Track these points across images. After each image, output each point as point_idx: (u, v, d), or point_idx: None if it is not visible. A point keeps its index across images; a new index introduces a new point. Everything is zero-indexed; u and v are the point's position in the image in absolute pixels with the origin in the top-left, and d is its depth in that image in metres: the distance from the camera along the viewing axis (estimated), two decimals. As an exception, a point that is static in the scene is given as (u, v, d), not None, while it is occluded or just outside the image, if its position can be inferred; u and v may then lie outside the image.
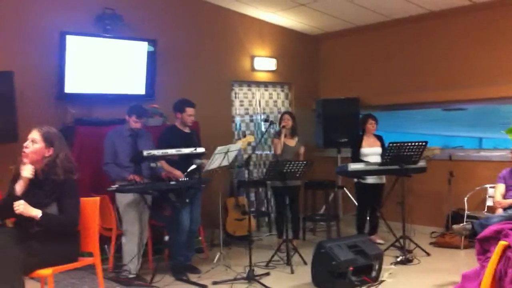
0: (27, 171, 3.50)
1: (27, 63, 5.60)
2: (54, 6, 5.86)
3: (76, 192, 3.66)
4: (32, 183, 3.56)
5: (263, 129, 8.17)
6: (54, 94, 5.85)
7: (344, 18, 7.73)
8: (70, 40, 5.80)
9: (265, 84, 8.32)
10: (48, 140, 3.60)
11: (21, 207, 3.40)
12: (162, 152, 5.03)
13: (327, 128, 7.75)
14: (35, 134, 3.58)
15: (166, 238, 5.18)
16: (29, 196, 3.51)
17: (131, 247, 5.21)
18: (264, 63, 8.10)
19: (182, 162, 5.34)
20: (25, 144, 3.57)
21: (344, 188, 7.65)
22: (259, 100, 8.26)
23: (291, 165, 5.75)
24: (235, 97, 7.94)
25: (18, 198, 3.48)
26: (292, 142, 6.58)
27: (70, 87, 5.88)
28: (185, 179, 5.23)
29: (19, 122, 5.21)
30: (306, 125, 8.07)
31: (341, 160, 7.68)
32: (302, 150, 6.63)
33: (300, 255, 5.82)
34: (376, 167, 6.09)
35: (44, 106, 5.74)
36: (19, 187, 3.53)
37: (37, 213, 3.42)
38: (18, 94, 5.27)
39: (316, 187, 7.32)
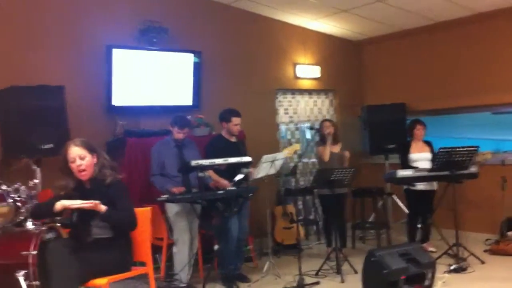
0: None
1: (76, 77, 5.73)
2: (100, 20, 6.00)
3: (127, 193, 3.73)
4: (82, 195, 3.62)
5: (308, 136, 8.13)
6: (103, 107, 5.98)
7: (387, 22, 7.64)
8: (116, 53, 5.92)
9: (309, 92, 8.29)
10: (90, 149, 3.68)
11: (92, 205, 3.46)
12: (210, 162, 5.07)
13: (374, 134, 7.65)
14: (78, 151, 3.61)
15: (216, 247, 5.20)
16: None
17: (182, 256, 5.26)
18: (308, 71, 8.08)
19: (229, 171, 5.37)
20: (77, 164, 3.62)
21: (393, 195, 7.52)
22: (303, 107, 8.24)
23: (338, 172, 5.70)
24: (280, 106, 7.94)
25: (55, 214, 3.55)
26: (336, 149, 6.52)
27: (118, 100, 6.00)
28: (233, 188, 5.24)
29: (71, 135, 5.33)
30: (352, 132, 7.99)
31: (389, 167, 7.56)
32: (347, 154, 6.55)
33: (350, 264, 5.74)
34: (425, 173, 5.95)
35: (94, 119, 5.87)
36: (59, 206, 3.56)
37: (103, 207, 3.48)
38: (69, 108, 5.40)
39: (364, 194, 7.23)
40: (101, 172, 3.61)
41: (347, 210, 6.79)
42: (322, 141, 6.46)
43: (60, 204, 3.50)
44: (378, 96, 8.33)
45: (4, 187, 4.16)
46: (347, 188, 6.42)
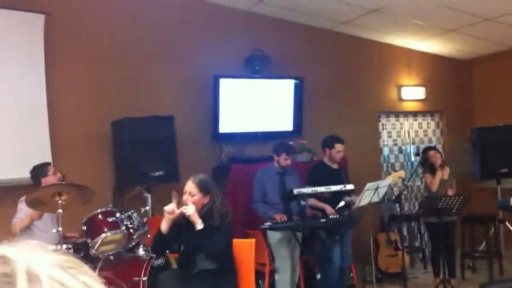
0: (190, 209, 3.68)
1: (185, 107, 6.01)
2: (207, 52, 6.25)
3: (229, 230, 3.79)
4: (191, 226, 3.75)
5: (412, 159, 7.90)
6: (210, 134, 6.20)
7: (497, 40, 7.27)
8: (223, 82, 6.14)
9: (414, 114, 8.07)
10: (204, 189, 3.77)
11: (190, 210, 3.59)
12: (312, 190, 5.08)
13: (485, 157, 7.26)
14: (191, 188, 3.75)
15: (318, 276, 5.18)
16: (187, 239, 3.72)
17: (284, 284, 5.29)
18: (412, 92, 7.87)
19: (331, 198, 5.35)
20: (184, 198, 3.77)
21: (506, 223, 7.07)
22: (407, 130, 8.02)
23: (447, 200, 5.48)
24: (383, 129, 7.79)
25: (165, 236, 3.68)
26: (444, 175, 6.25)
27: (224, 127, 6.20)
28: (335, 216, 5.21)
29: (179, 162, 5.58)
30: (460, 155, 7.63)
31: (502, 192, 7.13)
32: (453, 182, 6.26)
33: (460, 296, 5.47)
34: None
35: (201, 146, 6.11)
36: (164, 225, 3.71)
37: (200, 223, 3.60)
38: (177, 136, 5.66)
39: (474, 221, 6.86)
40: (209, 214, 3.71)
41: (456, 238, 6.48)
42: (430, 169, 6.20)
43: (164, 225, 3.66)
44: (489, 117, 7.91)
45: (118, 214, 4.42)
46: (456, 216, 6.13)
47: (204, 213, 3.72)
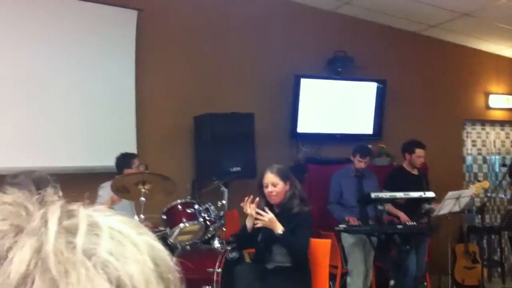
0: (266, 217, 3.72)
1: (265, 105, 6.07)
2: (289, 52, 6.28)
3: (309, 224, 3.80)
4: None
5: (497, 170, 7.57)
6: (288, 133, 6.23)
7: None
8: (304, 82, 6.15)
9: (501, 123, 7.73)
10: (284, 177, 3.82)
11: (266, 218, 3.64)
12: (390, 195, 4.99)
13: None
14: (272, 178, 3.78)
15: (392, 283, 5.08)
16: (267, 230, 3.76)
17: (356, 287, 5.23)
18: (501, 101, 7.55)
19: (409, 205, 5.23)
20: (269, 190, 3.81)
21: None
22: (493, 140, 7.69)
23: (533, 215, 5.22)
24: (467, 137, 7.52)
25: (248, 233, 3.74)
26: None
27: (302, 127, 6.21)
28: (413, 223, 5.09)
29: (257, 160, 5.65)
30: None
31: None
32: None
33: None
34: None
35: (279, 145, 6.15)
36: (249, 224, 3.79)
37: (280, 228, 3.63)
38: (256, 133, 5.73)
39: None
40: (290, 200, 3.75)
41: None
42: None
43: (249, 222, 3.72)
44: None
45: (196, 206, 4.53)
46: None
47: (286, 201, 3.75)
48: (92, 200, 0.60)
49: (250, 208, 3.69)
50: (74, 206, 0.53)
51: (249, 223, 3.75)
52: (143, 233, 0.54)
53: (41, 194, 0.55)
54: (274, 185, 3.76)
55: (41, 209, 0.52)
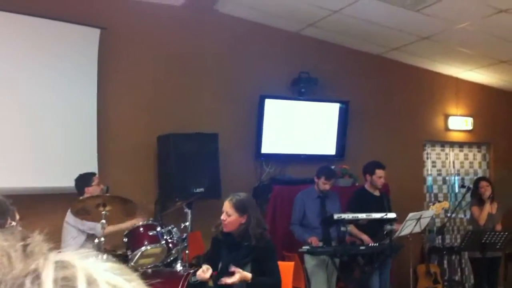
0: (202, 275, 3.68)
1: (230, 125, 6.05)
2: (254, 72, 6.30)
3: (275, 255, 3.78)
4: (229, 246, 3.76)
5: (456, 190, 7.73)
6: (252, 153, 6.22)
7: (553, 74, 7.10)
8: (268, 103, 6.18)
9: (460, 144, 7.91)
10: (240, 210, 3.76)
11: (237, 276, 3.58)
12: (352, 216, 5.02)
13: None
14: (228, 208, 3.74)
15: (355, 304, 5.09)
16: (227, 258, 3.71)
17: (319, 309, 5.22)
18: (459, 122, 7.73)
19: (371, 225, 5.27)
20: (222, 217, 3.79)
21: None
22: (453, 161, 7.86)
23: (492, 235, 5.32)
24: (427, 158, 7.66)
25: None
26: (492, 209, 6.08)
27: (266, 147, 6.22)
28: (376, 244, 5.13)
29: (222, 180, 5.61)
30: (507, 189, 7.41)
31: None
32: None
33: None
34: None
35: (243, 165, 6.13)
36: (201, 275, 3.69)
37: (249, 276, 3.58)
38: (220, 153, 5.70)
39: (518, 259, 6.65)
40: (247, 233, 3.71)
41: (500, 274, 6.28)
42: (478, 201, 6.03)
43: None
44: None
45: (158, 228, 4.46)
46: (501, 252, 5.95)
47: (240, 233, 3.73)
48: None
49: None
50: (67, 257, 0.53)
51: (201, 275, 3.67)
52: (134, 280, 0.57)
53: (27, 242, 0.54)
54: (227, 214, 3.73)
55: (27, 259, 0.51)
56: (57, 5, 5.27)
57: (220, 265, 3.78)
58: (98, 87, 5.37)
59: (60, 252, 0.55)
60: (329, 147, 6.65)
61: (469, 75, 7.60)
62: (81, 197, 4.43)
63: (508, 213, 6.26)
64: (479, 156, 8.06)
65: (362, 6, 5.51)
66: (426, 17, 5.59)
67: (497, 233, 5.42)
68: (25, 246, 0.54)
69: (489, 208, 5.92)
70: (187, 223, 4.94)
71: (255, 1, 5.80)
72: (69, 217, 4.52)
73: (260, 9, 5.99)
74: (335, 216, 4.96)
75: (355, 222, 5.20)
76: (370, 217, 5.08)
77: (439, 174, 7.76)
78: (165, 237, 4.44)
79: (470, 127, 7.80)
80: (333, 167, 5.96)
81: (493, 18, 5.42)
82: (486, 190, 5.95)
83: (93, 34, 5.34)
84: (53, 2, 5.28)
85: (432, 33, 6.13)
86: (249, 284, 3.58)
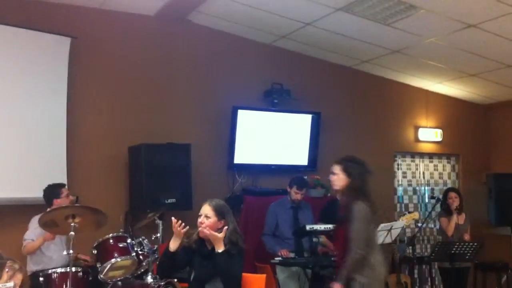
0: (174, 242, 3.70)
1: (202, 136, 6.02)
2: (227, 83, 6.30)
3: (242, 257, 3.71)
4: (202, 255, 3.73)
5: (426, 200, 7.84)
6: (225, 164, 6.20)
7: (519, 87, 7.26)
8: (241, 114, 6.17)
9: (430, 156, 8.03)
10: (219, 213, 3.77)
11: (206, 229, 3.58)
12: (325, 227, 5.02)
13: (501, 204, 7.18)
14: (207, 210, 3.75)
15: (327, 315, 5.08)
16: (199, 268, 3.68)
17: (291, 321, 5.20)
18: (429, 134, 7.85)
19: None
20: (200, 220, 3.77)
21: (520, 271, 6.94)
22: (423, 172, 7.97)
23: (461, 246, 5.40)
24: (398, 169, 7.75)
25: (172, 255, 3.67)
26: (461, 220, 6.17)
27: (239, 158, 6.20)
28: (347, 255, 5.13)
29: (193, 191, 5.57)
30: (476, 199, 7.55)
31: (516, 240, 7.02)
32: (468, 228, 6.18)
33: None
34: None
35: (215, 176, 6.10)
36: (173, 245, 3.69)
37: (222, 247, 3.58)
38: (193, 164, 5.66)
39: (487, 268, 6.76)
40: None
41: (469, 284, 6.36)
42: (447, 212, 6.12)
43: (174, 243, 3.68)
44: (506, 164, 7.84)
45: (129, 240, 4.40)
46: (470, 262, 6.03)
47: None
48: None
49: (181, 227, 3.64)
50: None
51: (173, 244, 3.67)
52: None
53: None
54: (206, 217, 3.72)
55: None
56: (27, 14, 5.19)
57: (192, 275, 3.74)
58: (68, 97, 5.29)
59: None
60: (301, 158, 6.67)
61: (438, 87, 7.74)
62: (48, 209, 4.35)
63: (475, 223, 6.36)
64: (448, 167, 8.19)
65: (334, 19, 5.57)
66: (397, 31, 5.68)
67: (466, 244, 5.50)
68: None
69: (456, 218, 6.01)
70: (158, 235, 4.88)
71: (228, 13, 5.81)
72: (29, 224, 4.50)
73: (233, 20, 6.01)
74: (308, 227, 4.97)
75: (327, 233, 5.21)
76: (341, 228, 5.08)
77: (410, 185, 7.85)
78: (135, 248, 4.37)
79: (439, 139, 7.92)
80: (305, 177, 5.98)
81: (462, 32, 5.54)
82: (454, 201, 6.05)
83: (64, 43, 5.27)
84: (23, 11, 5.20)
85: (402, 47, 6.23)
86: (217, 253, 3.57)
